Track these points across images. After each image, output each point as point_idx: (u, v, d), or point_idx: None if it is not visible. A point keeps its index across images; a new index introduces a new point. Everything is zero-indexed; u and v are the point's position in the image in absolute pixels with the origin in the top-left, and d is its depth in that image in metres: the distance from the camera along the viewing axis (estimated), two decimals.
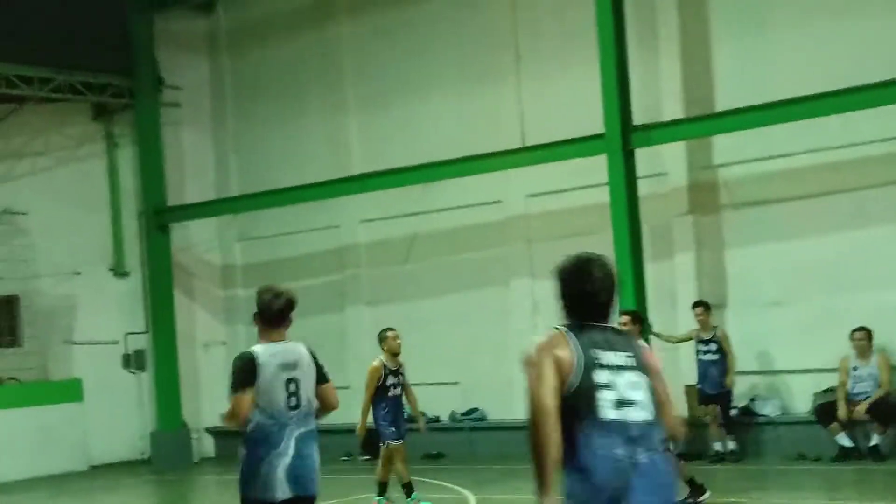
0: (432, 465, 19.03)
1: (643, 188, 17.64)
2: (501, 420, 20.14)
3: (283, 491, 7.78)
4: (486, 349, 20.45)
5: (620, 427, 5.17)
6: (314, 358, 8.22)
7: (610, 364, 5.28)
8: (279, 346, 8.09)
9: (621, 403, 5.22)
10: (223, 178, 23.93)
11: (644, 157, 17.72)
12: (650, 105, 18.21)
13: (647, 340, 16.85)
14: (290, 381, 7.96)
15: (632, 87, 17.53)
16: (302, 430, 7.96)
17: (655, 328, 17.31)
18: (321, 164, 21.95)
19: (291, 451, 7.86)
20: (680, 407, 17.98)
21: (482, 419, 20.57)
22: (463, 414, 20.72)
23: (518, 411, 19.93)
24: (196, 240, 23.78)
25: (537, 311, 19.94)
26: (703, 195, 18.50)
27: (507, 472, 17.85)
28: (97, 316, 22.72)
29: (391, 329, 14.36)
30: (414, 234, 21.39)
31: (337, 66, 22.42)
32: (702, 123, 17.77)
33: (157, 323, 22.71)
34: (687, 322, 17.83)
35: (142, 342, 23.08)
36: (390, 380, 14.08)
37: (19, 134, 22.37)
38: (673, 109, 18.40)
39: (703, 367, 17.39)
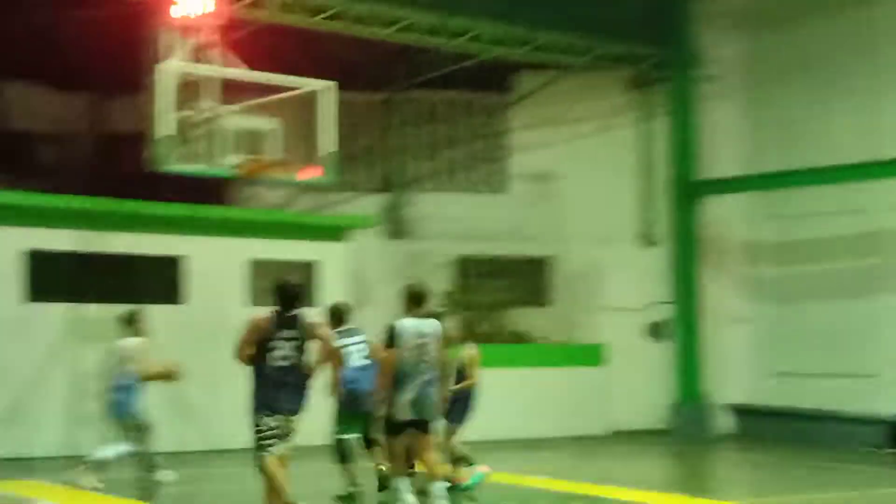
0: None
1: None
2: None
3: None
4: None
5: (280, 368, 10.12)
6: None
7: (283, 336, 10.14)
8: None
9: (283, 357, 10.12)
10: (754, 154, 23.03)
11: None
12: None
13: None
14: None
15: None
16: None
17: None
18: (853, 145, 20.80)
19: None
20: None
21: None
22: None
23: None
24: (724, 214, 23.09)
25: None
26: None
27: None
28: (623, 283, 22.84)
29: None
30: None
31: (873, 48, 21.17)
32: None
33: (682, 295, 22.52)
34: None
35: (666, 312, 22.83)
36: None
37: (559, 101, 22.85)
38: None
39: None
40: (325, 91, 16.04)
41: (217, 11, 16.37)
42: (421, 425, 11.06)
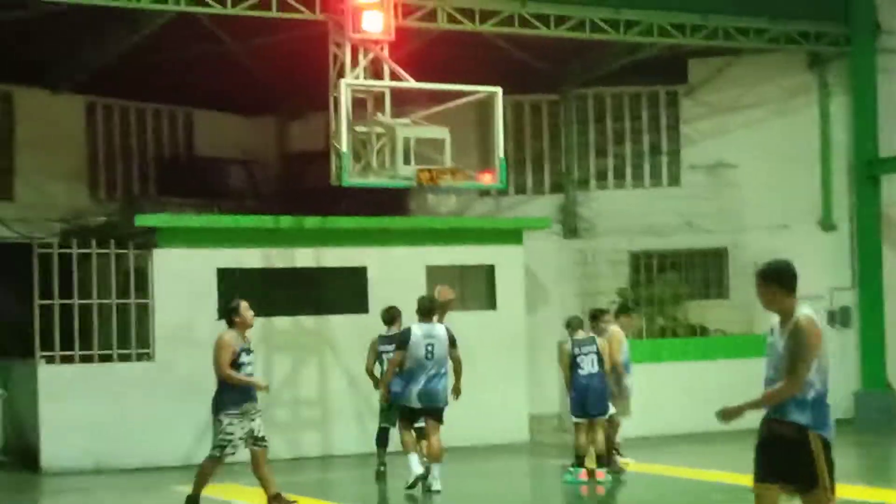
0: None
1: None
2: None
3: None
4: None
5: None
6: None
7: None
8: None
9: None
10: None
11: None
12: None
13: None
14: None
15: None
16: None
17: None
18: None
19: None
20: None
21: None
22: None
23: None
24: None
25: None
26: None
27: None
28: (803, 270, 21.83)
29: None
30: None
31: None
32: None
33: (865, 278, 23.22)
34: None
35: (847, 298, 23.53)
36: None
37: (733, 87, 23.90)
38: None
39: None
40: (493, 96, 17.51)
41: (389, 26, 18.26)
42: (430, 412, 14.55)
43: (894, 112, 23.52)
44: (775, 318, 8.31)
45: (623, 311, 17.22)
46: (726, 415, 8.43)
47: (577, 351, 15.79)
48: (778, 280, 8.29)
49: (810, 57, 24.05)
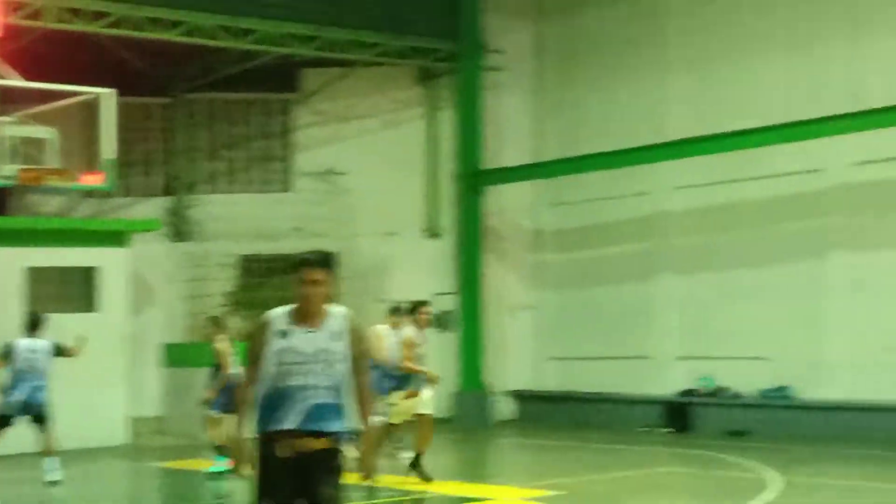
0: (735, 443, 19.39)
1: None
2: (812, 400, 20.22)
3: None
4: (799, 325, 20.53)
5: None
6: None
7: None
8: None
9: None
10: (539, 143, 24.93)
11: None
12: None
13: None
14: None
15: None
16: None
17: None
18: (637, 128, 22.48)
19: None
20: None
21: (791, 398, 20.61)
22: (771, 391, 20.88)
23: (831, 391, 19.87)
24: (509, 204, 24.90)
25: (859, 288, 19.92)
26: None
27: (816, 454, 17.85)
28: (409, 276, 24.23)
29: None
30: (728, 203, 21.67)
31: (660, 29, 22.99)
32: None
33: (466, 285, 24.25)
34: None
35: (450, 303, 24.39)
36: None
37: (346, 97, 24.51)
38: None
39: None
40: (104, 97, 17.61)
41: None
42: (36, 418, 15.50)
43: (497, 127, 24.72)
44: (281, 318, 7.12)
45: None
46: (368, 468, 7.27)
47: (233, 350, 16.13)
48: (331, 270, 7.19)
49: (420, 71, 24.92)
